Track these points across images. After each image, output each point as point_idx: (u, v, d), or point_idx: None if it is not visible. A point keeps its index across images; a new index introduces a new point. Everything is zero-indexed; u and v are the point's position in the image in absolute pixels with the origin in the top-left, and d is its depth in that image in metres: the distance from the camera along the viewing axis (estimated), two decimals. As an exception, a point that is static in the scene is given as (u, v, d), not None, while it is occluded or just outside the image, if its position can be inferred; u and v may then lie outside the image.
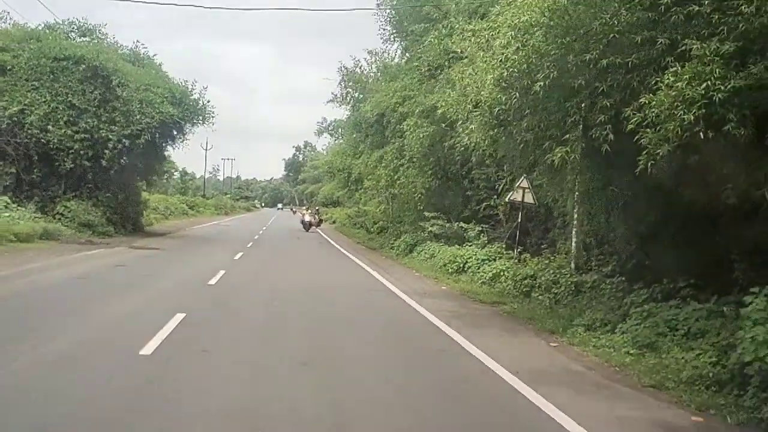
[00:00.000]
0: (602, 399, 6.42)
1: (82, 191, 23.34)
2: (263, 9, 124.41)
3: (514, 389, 6.56)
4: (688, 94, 6.96)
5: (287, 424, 5.17)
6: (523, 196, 16.01)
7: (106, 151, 22.56)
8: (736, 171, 7.81)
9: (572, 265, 13.37)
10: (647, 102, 7.28)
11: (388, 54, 31.59)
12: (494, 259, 16.17)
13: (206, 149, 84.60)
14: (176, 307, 9.36)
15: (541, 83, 8.55)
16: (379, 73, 31.66)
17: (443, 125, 17.29)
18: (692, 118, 6.87)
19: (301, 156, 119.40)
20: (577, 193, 11.60)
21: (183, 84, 25.62)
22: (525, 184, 15.52)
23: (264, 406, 5.54)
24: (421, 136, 20.09)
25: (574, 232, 13.52)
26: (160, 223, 36.16)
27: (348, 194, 48.14)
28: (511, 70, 8.75)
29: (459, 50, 12.17)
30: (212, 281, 12.98)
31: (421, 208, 24.06)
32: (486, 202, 20.78)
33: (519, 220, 16.80)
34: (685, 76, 7.08)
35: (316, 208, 56.26)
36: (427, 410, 5.81)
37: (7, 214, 19.36)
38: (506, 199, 17.19)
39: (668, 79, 7.22)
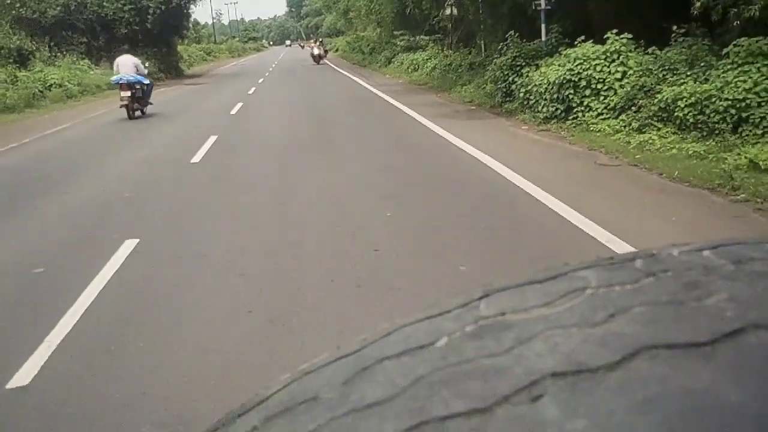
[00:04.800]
0: (436, 107, 14.28)
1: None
2: None
3: (397, 107, 14.49)
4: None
5: (297, 112, 13.14)
6: (452, 10, 23.26)
7: (149, 16, 29.68)
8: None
9: (482, 54, 21.01)
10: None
11: None
12: (434, 58, 23.74)
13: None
14: (235, 101, 17.34)
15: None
16: None
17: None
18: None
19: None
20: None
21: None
22: (451, 1, 22.65)
23: (293, 99, 13.55)
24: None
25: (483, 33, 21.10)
26: (189, 69, 43.49)
27: (347, 24, 54.39)
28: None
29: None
30: (250, 92, 21.04)
31: (393, 28, 31.24)
32: (437, 17, 27.87)
33: (447, 28, 24.20)
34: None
35: (320, 40, 62.07)
36: (351, 109, 13.78)
37: (92, 72, 27.02)
38: (441, 14, 24.41)
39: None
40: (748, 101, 7.67)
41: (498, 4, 17.31)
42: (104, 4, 28.87)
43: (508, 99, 12.99)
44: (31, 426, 2.83)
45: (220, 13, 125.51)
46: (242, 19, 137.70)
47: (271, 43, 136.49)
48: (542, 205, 5.99)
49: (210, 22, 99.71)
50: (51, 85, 21.87)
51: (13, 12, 27.71)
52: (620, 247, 4.68)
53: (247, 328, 3.72)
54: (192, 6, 34.72)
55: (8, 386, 3.15)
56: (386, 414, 0.34)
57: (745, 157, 6.80)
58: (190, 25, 67.63)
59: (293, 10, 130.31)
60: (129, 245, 5.22)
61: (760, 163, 6.59)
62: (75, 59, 26.63)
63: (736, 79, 7.91)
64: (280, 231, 5.64)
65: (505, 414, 0.32)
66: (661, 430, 0.29)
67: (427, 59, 23.95)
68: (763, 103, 7.61)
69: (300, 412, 0.39)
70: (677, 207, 5.84)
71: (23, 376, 3.24)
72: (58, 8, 28.07)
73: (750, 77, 7.82)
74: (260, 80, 27.62)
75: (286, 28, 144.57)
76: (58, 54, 27.36)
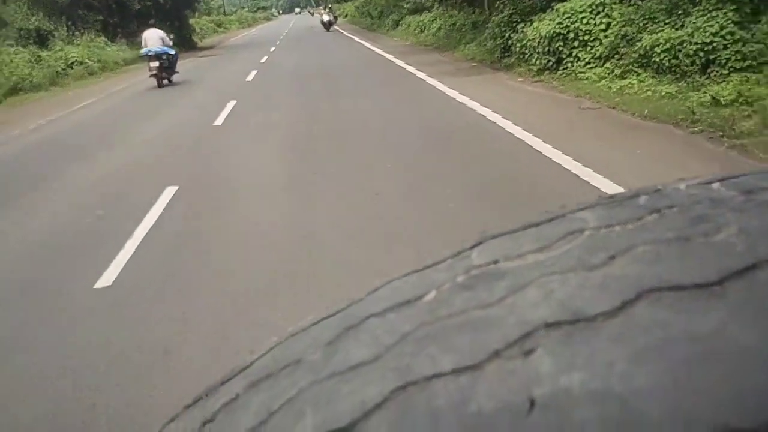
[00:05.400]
0: (439, 65, 15.05)
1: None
2: None
3: (401, 67, 15.28)
4: None
5: (307, 77, 13.99)
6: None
7: (161, -9, 30.56)
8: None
9: (487, 13, 21.65)
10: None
11: None
12: (439, 18, 24.38)
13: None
14: (250, 70, 18.20)
15: None
16: None
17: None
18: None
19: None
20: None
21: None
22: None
23: (305, 64, 14.40)
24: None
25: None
26: (202, 41, 44.28)
27: (356, -12, 54.79)
28: None
29: None
30: (262, 60, 21.88)
31: (399, -10, 31.86)
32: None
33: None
34: None
35: (329, 6, 62.25)
36: (359, 71, 14.60)
37: (109, 49, 27.94)
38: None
39: None
40: (714, 44, 8.43)
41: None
42: (117, -19, 29.72)
43: (506, 54, 13.75)
44: (120, 312, 3.80)
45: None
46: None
47: (281, 11, 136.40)
48: (525, 144, 6.87)
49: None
50: (72, 63, 22.85)
51: (30, -7, 28.62)
52: (585, 172, 5.56)
53: (272, 240, 4.68)
54: (201, -21, 35.48)
55: (96, 286, 4.14)
56: (370, 375, 0.33)
57: (709, 95, 7.61)
58: (200, -2, 68.46)
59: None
60: (170, 191, 6.18)
61: (721, 99, 7.41)
62: (92, 37, 27.46)
63: (705, 24, 8.67)
64: (295, 175, 6.57)
65: (496, 370, 0.30)
66: (665, 380, 0.27)
67: (432, 20, 24.59)
68: (728, 45, 8.37)
69: (282, 376, 0.38)
70: (642, 139, 6.70)
71: (107, 279, 4.24)
72: (74, -13, 28.96)
73: (717, 22, 8.58)
74: (272, 49, 28.42)
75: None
76: (76, 33, 28.24)
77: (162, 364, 3.16)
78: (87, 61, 23.49)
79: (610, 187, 5.03)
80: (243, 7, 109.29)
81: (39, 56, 21.94)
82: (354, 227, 4.85)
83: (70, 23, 29.17)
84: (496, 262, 0.38)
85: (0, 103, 16.91)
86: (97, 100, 15.63)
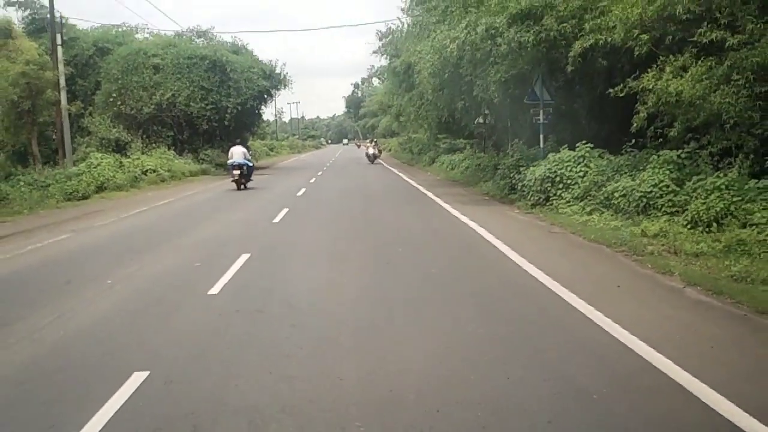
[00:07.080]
0: (458, 197, 18.03)
1: (213, 143, 35.67)
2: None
3: (427, 195, 18.32)
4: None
5: (348, 196, 17.03)
6: (484, 119, 27.43)
7: (227, 115, 34.71)
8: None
9: (510, 155, 24.93)
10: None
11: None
12: (468, 159, 27.81)
13: (275, 97, 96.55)
14: (300, 187, 21.51)
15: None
16: (410, 28, 42.47)
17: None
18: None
19: (359, 92, 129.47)
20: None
21: (270, 63, 37.68)
22: (485, 112, 26.83)
23: (346, 187, 17.47)
24: (431, 83, 31.30)
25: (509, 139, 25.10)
26: (257, 161, 48.60)
27: (400, 126, 59.52)
28: (435, 64, 20.15)
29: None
30: (311, 181, 25.39)
31: (437, 132, 35.68)
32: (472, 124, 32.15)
33: (483, 134, 28.35)
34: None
35: (375, 140, 66.69)
36: (391, 196, 17.64)
37: (177, 161, 31.79)
38: (474, 122, 28.61)
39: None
40: (653, 193, 11.22)
41: (520, 116, 21.38)
42: (190, 103, 33.96)
43: (512, 192, 16.71)
44: (224, 305, 6.54)
45: (282, 111, 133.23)
46: (303, 117, 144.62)
47: (330, 141, 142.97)
48: (497, 250, 9.61)
49: (272, 119, 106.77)
50: (147, 171, 26.54)
51: (114, 109, 32.94)
52: (527, 265, 8.26)
53: (319, 282, 7.42)
54: (263, 107, 40.01)
55: (208, 293, 6.94)
56: None
57: (640, 229, 10.31)
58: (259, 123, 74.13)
59: (351, 110, 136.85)
60: (245, 256, 9.06)
61: (647, 232, 10.10)
62: (164, 150, 31.35)
63: (649, 178, 11.50)
64: (332, 256, 9.42)
65: None
66: None
67: (462, 160, 28.08)
68: (663, 195, 11.14)
69: None
70: (579, 253, 9.41)
71: (215, 290, 7.06)
72: (152, 106, 33.22)
73: (657, 176, 11.40)
74: (319, 173, 32.10)
75: (344, 127, 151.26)
76: (150, 145, 32.29)
77: (251, 317, 5.89)
78: (159, 169, 27.18)
79: (540, 275, 7.71)
80: (294, 134, 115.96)
81: (121, 162, 25.70)
82: (370, 280, 7.60)
83: (145, 136, 33.35)
84: None
85: (90, 197, 20.29)
86: (175, 199, 18.96)
